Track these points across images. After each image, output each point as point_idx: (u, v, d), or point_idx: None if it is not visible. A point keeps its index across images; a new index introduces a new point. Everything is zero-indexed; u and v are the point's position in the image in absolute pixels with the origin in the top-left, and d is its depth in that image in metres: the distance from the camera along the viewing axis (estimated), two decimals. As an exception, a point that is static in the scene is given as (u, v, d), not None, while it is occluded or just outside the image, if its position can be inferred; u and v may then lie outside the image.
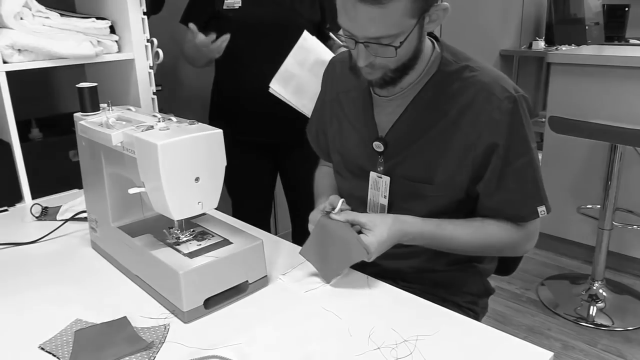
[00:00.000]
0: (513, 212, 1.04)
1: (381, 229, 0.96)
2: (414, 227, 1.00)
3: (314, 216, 1.05)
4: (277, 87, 1.65)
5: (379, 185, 1.09)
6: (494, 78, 1.00)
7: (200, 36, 1.61)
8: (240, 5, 1.68)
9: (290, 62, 1.63)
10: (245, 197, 1.93)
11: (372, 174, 1.10)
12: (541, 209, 1.03)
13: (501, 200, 1.03)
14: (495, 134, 0.98)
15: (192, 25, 1.62)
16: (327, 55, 1.58)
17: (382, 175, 1.08)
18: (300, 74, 1.64)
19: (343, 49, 1.28)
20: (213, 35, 1.62)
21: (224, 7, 1.69)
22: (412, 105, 1.04)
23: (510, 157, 1.00)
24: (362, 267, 1.01)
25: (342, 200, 1.02)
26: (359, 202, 1.13)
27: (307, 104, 1.65)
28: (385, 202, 1.09)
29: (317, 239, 1.01)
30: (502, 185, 1.01)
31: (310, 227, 1.05)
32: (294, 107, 1.67)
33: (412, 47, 0.95)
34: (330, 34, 0.98)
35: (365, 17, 0.87)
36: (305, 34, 1.64)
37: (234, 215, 1.35)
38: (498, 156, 0.99)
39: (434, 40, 1.05)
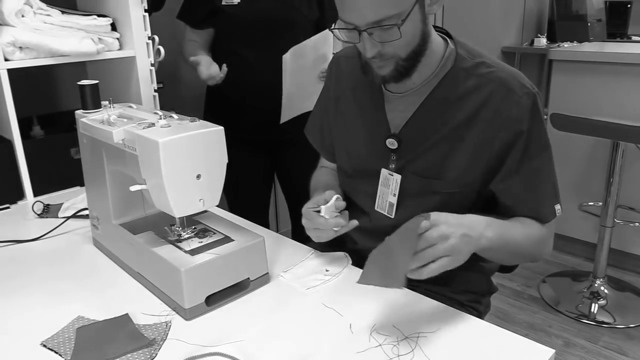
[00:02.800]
0: (533, 211, 1.03)
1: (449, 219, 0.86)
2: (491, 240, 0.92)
3: (307, 211, 1.03)
4: (290, 57, 1.64)
5: (389, 183, 1.08)
6: (511, 74, 1.00)
7: (206, 70, 1.64)
8: (239, 1, 1.68)
9: (311, 42, 1.64)
10: (240, 195, 1.92)
11: (384, 171, 1.08)
12: (557, 208, 1.03)
13: (520, 199, 1.01)
14: (514, 130, 0.97)
15: (198, 59, 1.65)
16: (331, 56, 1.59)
17: (394, 173, 1.06)
18: (308, 57, 1.66)
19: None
20: (223, 70, 1.66)
21: (223, 3, 1.68)
22: (427, 102, 1.02)
23: (529, 154, 0.99)
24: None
25: (336, 195, 1.00)
26: (366, 200, 1.12)
27: (289, 88, 1.67)
28: (394, 200, 1.07)
29: (378, 260, 0.84)
30: (521, 183, 1.00)
31: (304, 221, 1.03)
32: (283, 85, 1.68)
33: (417, 30, 0.94)
34: (333, 32, 0.97)
35: (362, 2, 0.87)
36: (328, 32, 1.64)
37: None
38: (517, 152, 0.98)
39: (447, 38, 1.04)
